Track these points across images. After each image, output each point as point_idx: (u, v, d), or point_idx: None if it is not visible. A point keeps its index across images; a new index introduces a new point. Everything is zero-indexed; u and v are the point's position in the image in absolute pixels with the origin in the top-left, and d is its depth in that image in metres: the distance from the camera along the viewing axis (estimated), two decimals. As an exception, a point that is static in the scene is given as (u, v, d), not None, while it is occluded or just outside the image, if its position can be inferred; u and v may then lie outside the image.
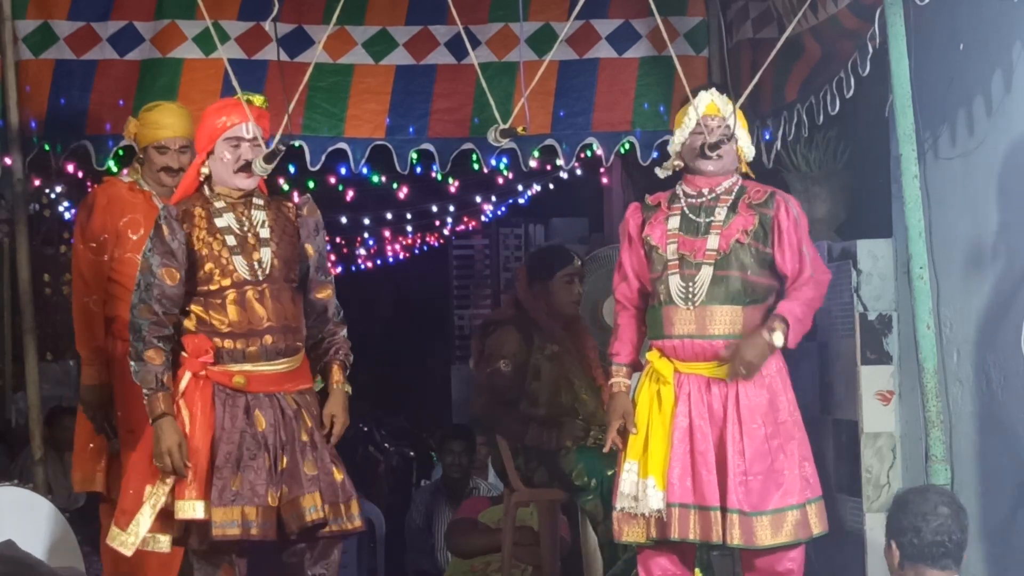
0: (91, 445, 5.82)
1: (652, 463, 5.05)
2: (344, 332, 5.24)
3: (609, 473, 6.14)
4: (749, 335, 5.01)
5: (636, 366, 5.31)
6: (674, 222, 5.15)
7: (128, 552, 4.96)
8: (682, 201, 5.18)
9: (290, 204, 5.19)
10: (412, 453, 11.82)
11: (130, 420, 5.71)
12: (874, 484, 6.23)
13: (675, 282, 5.08)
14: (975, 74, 5.48)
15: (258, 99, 5.10)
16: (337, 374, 5.18)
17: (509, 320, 6.60)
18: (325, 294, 5.20)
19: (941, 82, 5.62)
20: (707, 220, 5.12)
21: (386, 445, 11.95)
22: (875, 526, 6.21)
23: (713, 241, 5.08)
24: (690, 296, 5.06)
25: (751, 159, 5.24)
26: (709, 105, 5.16)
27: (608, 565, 6.26)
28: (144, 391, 4.94)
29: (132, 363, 4.97)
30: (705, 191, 5.16)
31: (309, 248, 5.15)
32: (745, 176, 5.24)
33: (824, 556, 6.23)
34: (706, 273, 5.06)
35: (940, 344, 5.42)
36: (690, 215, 5.15)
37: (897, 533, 4.27)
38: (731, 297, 5.05)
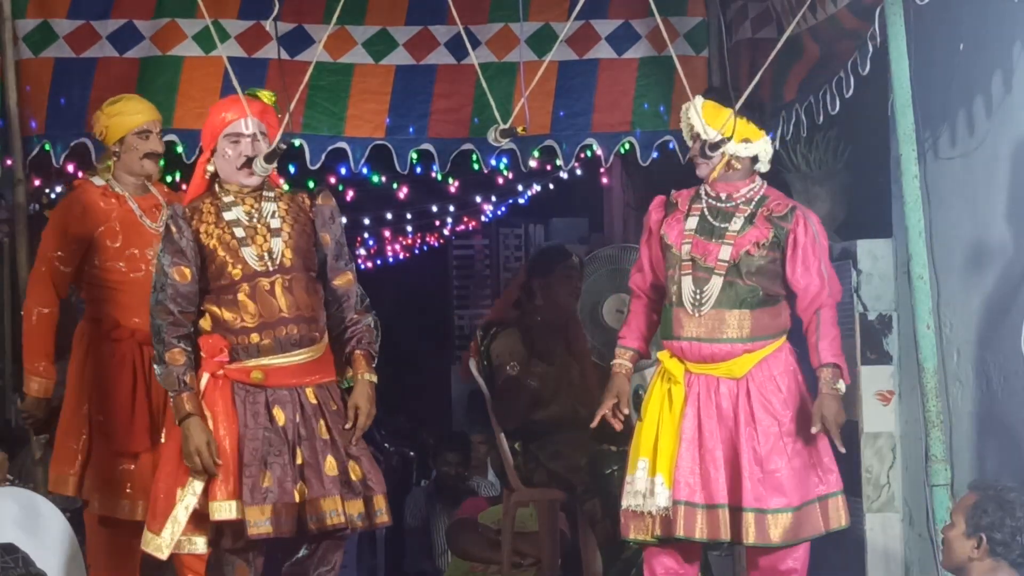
0: (71, 446, 5.75)
1: (661, 461, 5.06)
2: (369, 320, 5.17)
3: (607, 472, 6.15)
4: (819, 400, 5.06)
5: (642, 353, 5.34)
6: (692, 223, 5.16)
7: (163, 556, 4.92)
8: (703, 202, 5.19)
9: (303, 195, 5.17)
10: (412, 453, 11.82)
11: (109, 424, 5.65)
12: (874, 484, 6.23)
13: (687, 285, 5.10)
14: (975, 74, 5.48)
15: (266, 95, 5.09)
16: (361, 363, 5.11)
17: (511, 322, 6.61)
18: (344, 280, 5.13)
19: (941, 82, 5.62)
20: (723, 226, 5.13)
21: (386, 445, 11.94)
22: (875, 526, 6.21)
23: (725, 251, 5.08)
24: (698, 302, 5.07)
25: (745, 155, 5.14)
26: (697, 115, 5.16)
27: (608, 565, 6.26)
28: (169, 393, 4.92)
29: (155, 366, 4.95)
30: (723, 196, 5.16)
31: (325, 236, 5.11)
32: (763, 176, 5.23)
33: (824, 556, 6.23)
34: (716, 282, 5.07)
35: (940, 344, 5.42)
36: (709, 217, 5.15)
37: (991, 529, 4.33)
38: (740, 301, 5.07)
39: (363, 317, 5.17)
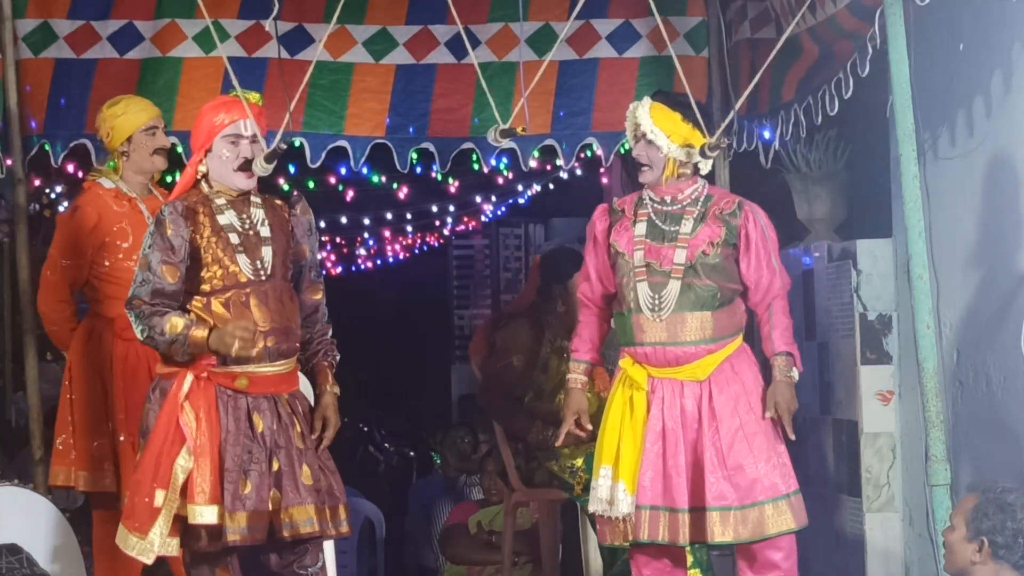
0: (100, 442, 5.73)
1: (623, 468, 5.10)
2: (330, 333, 5.24)
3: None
4: (773, 386, 5.14)
5: (595, 364, 5.42)
6: (640, 228, 5.20)
7: (149, 560, 4.92)
8: (648, 207, 5.22)
9: (280, 203, 5.17)
10: (412, 453, 11.82)
11: (132, 423, 5.66)
12: (874, 484, 6.23)
13: (643, 291, 5.13)
14: (975, 74, 5.48)
15: (254, 96, 5.06)
16: (327, 376, 5.17)
17: (521, 314, 6.62)
18: (318, 295, 5.19)
19: (941, 82, 5.62)
20: (673, 229, 5.16)
21: (386, 445, 11.95)
22: (875, 526, 6.22)
23: (680, 255, 5.12)
24: (658, 307, 5.10)
25: (680, 156, 5.16)
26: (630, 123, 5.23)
27: (608, 565, 6.26)
28: (178, 343, 4.83)
29: (153, 338, 4.85)
30: (667, 199, 5.19)
31: (304, 248, 5.13)
32: (698, 173, 5.25)
33: (824, 556, 6.24)
34: (674, 286, 5.11)
35: (940, 344, 5.42)
36: (656, 221, 5.19)
37: (993, 532, 4.32)
38: (700, 303, 5.11)
39: (327, 330, 5.23)
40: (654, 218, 5.19)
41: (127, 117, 5.76)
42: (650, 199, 5.24)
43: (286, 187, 9.99)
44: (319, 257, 5.29)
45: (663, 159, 5.17)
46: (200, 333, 4.84)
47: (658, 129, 5.14)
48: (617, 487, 5.08)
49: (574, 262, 6.71)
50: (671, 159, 5.17)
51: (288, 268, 5.08)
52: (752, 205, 5.25)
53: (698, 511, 5.04)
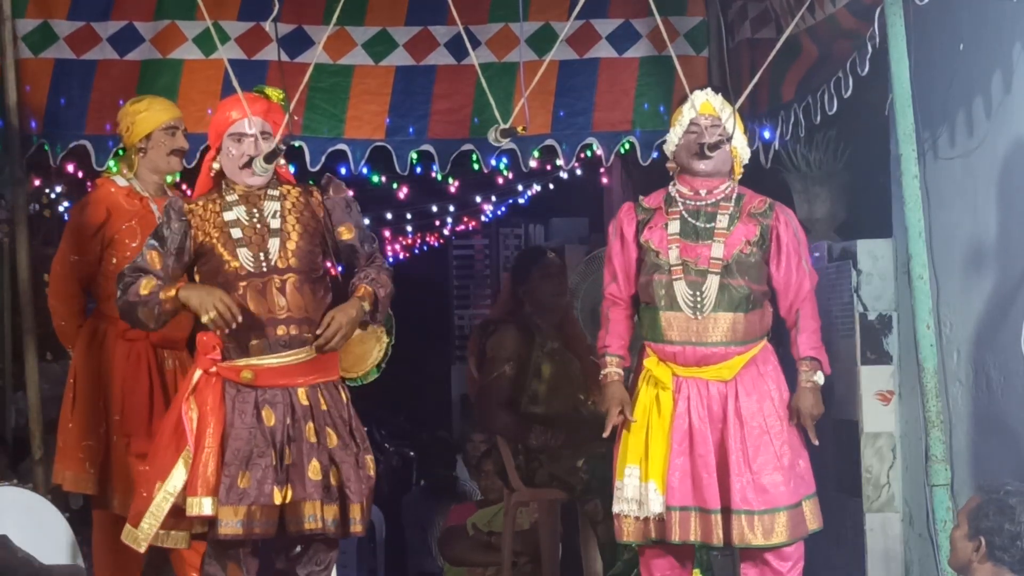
0: (88, 443, 5.76)
1: (652, 467, 5.06)
2: (385, 275, 5.08)
3: (609, 474, 6.14)
4: (796, 393, 5.14)
5: (626, 359, 5.32)
6: (674, 227, 5.15)
7: (141, 548, 4.94)
8: (679, 205, 5.18)
9: (313, 188, 5.15)
10: (412, 453, 11.82)
11: (127, 425, 5.69)
12: (874, 484, 6.23)
13: (680, 289, 5.08)
14: (975, 74, 5.48)
15: (274, 92, 5.10)
16: (360, 290, 5.03)
17: (508, 319, 6.62)
18: (377, 261, 5.12)
19: (941, 82, 5.62)
20: (708, 226, 5.13)
21: (386, 445, 11.94)
22: (875, 526, 6.21)
23: (717, 249, 5.09)
24: (698, 305, 5.06)
25: (746, 161, 5.25)
26: (704, 104, 5.18)
27: (608, 565, 6.26)
28: (152, 312, 4.89)
29: (128, 301, 4.91)
30: (703, 192, 5.16)
31: (345, 228, 5.10)
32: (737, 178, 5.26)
33: (824, 556, 6.24)
34: (712, 282, 5.07)
35: (940, 344, 5.42)
36: (689, 219, 5.15)
37: (991, 533, 4.31)
38: (734, 304, 5.08)
39: (376, 272, 5.09)
40: (686, 216, 5.15)
41: (148, 115, 5.78)
42: (680, 195, 5.19)
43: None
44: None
45: (729, 157, 5.17)
46: (169, 295, 4.89)
47: (739, 133, 5.18)
48: (648, 486, 5.04)
49: (532, 259, 6.74)
50: (738, 161, 5.19)
51: (310, 258, 5.04)
52: (782, 206, 5.24)
53: (726, 512, 5.03)
